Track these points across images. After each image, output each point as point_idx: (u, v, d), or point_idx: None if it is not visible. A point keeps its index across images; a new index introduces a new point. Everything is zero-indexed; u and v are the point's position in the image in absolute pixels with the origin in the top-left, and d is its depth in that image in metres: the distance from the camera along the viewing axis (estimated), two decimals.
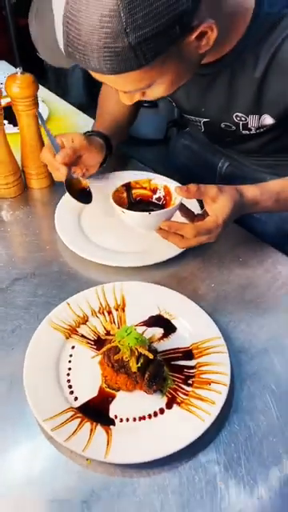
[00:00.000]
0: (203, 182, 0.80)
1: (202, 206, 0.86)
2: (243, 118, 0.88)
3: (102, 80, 0.69)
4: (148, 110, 2.51)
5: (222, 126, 0.93)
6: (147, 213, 0.80)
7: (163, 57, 0.63)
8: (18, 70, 0.92)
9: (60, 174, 0.92)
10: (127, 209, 0.84)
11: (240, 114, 0.88)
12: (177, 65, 0.69)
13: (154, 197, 0.90)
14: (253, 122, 0.88)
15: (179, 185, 0.81)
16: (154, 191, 0.89)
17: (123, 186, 0.88)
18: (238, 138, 0.96)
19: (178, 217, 0.83)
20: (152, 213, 0.80)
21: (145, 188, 0.89)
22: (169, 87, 0.72)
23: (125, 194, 0.88)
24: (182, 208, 0.83)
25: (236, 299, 0.84)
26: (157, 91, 0.72)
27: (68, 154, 0.91)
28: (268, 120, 0.86)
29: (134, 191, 0.89)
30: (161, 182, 0.89)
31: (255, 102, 0.84)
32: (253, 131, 0.91)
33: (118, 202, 0.85)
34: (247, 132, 0.92)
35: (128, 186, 0.89)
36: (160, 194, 0.89)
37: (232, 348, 0.75)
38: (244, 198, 0.79)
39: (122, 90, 0.73)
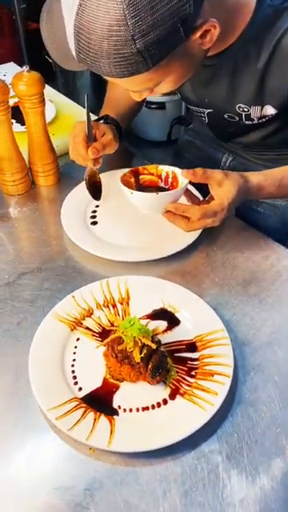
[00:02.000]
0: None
1: (204, 196, 0.88)
2: (246, 109, 0.89)
3: (113, 81, 0.71)
4: (156, 111, 2.52)
5: (226, 116, 0.95)
6: (155, 193, 0.81)
7: (169, 57, 0.66)
8: (25, 67, 0.93)
9: (84, 163, 0.97)
10: None
11: (243, 105, 0.89)
12: (182, 62, 0.71)
13: (161, 182, 0.91)
14: (255, 112, 0.89)
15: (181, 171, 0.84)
16: (161, 177, 0.90)
17: (131, 171, 0.90)
18: (241, 129, 0.98)
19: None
20: (160, 193, 0.81)
21: (152, 174, 0.91)
22: (175, 83, 0.75)
23: (132, 179, 0.89)
24: (188, 192, 0.85)
25: (240, 293, 0.84)
26: (164, 88, 0.75)
27: (98, 149, 0.94)
28: (270, 110, 0.87)
29: (141, 177, 0.91)
30: (167, 168, 0.90)
31: (258, 93, 0.85)
32: (255, 121, 0.92)
33: (126, 185, 0.87)
34: (250, 122, 0.93)
35: (136, 172, 0.91)
36: (167, 178, 0.90)
37: (235, 341, 0.75)
38: (249, 183, 0.82)
39: (128, 88, 0.75)
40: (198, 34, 0.67)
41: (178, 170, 0.88)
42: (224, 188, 0.79)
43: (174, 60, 0.68)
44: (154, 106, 2.52)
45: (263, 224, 1.01)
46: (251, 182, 0.82)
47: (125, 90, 1.08)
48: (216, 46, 0.76)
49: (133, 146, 1.16)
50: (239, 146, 1.10)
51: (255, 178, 0.83)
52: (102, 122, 1.02)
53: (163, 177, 0.91)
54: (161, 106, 2.54)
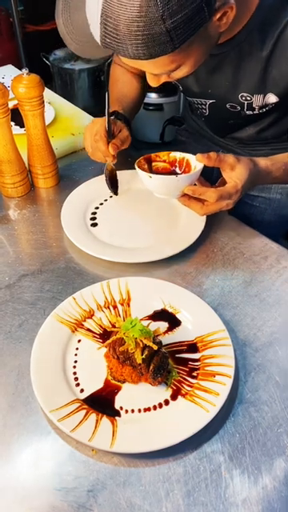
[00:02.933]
0: (202, 175, 0.84)
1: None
2: (248, 98, 0.91)
3: (134, 65, 0.73)
4: (153, 112, 2.52)
5: (228, 106, 0.97)
6: (174, 176, 0.82)
7: (192, 39, 0.67)
8: (24, 70, 0.94)
9: (103, 158, 0.99)
10: None
11: (245, 94, 0.91)
12: (201, 45, 0.73)
13: (176, 168, 0.91)
14: (257, 101, 0.91)
15: (194, 156, 0.84)
16: (173, 163, 0.91)
17: (144, 158, 0.90)
18: (240, 121, 0.99)
19: None
20: (178, 176, 0.83)
21: (164, 161, 0.91)
22: (192, 67, 0.76)
23: (146, 166, 0.90)
24: (199, 178, 0.86)
25: (240, 294, 0.85)
26: (182, 72, 0.76)
27: (118, 146, 0.96)
28: (272, 99, 0.89)
29: (153, 164, 0.91)
30: (179, 154, 0.91)
31: (261, 81, 0.87)
32: (256, 111, 0.94)
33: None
34: (250, 112, 0.95)
35: (148, 159, 0.91)
36: (180, 164, 0.91)
37: (236, 341, 0.76)
38: (258, 167, 0.84)
39: (152, 73, 0.77)
40: (218, 15, 0.69)
41: (189, 156, 0.89)
42: (237, 171, 0.81)
43: (196, 42, 0.69)
44: (151, 108, 2.53)
45: (259, 218, 1.03)
46: (260, 166, 0.84)
47: (130, 85, 1.11)
48: (224, 33, 0.77)
49: (130, 147, 1.16)
50: (234, 142, 1.11)
51: (263, 162, 0.86)
52: (113, 118, 1.03)
53: (176, 163, 0.91)
54: (158, 107, 2.54)
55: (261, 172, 0.85)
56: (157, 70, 0.75)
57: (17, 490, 0.60)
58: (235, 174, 0.81)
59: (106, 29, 0.63)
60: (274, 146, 1.06)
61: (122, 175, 1.07)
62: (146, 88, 1.17)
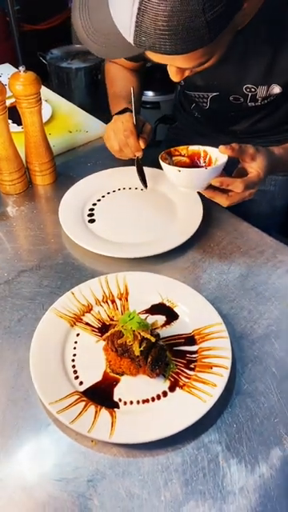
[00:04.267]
0: None
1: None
2: (253, 89, 0.93)
3: (162, 61, 0.71)
4: (150, 111, 2.53)
5: (231, 98, 0.98)
6: (203, 168, 0.84)
7: (225, 31, 0.66)
8: (21, 68, 0.94)
9: (131, 154, 1.01)
10: None
11: (250, 86, 0.92)
12: (228, 35, 0.72)
13: (200, 161, 0.91)
14: (261, 92, 0.93)
15: (214, 148, 0.86)
16: (192, 157, 0.91)
17: (166, 152, 0.90)
18: (242, 113, 1.01)
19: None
20: (208, 168, 0.83)
21: (183, 155, 0.91)
22: (216, 60, 0.75)
23: (167, 161, 0.90)
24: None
25: (237, 287, 0.85)
26: (208, 64, 0.75)
27: (147, 140, 0.99)
28: (276, 89, 0.91)
29: (173, 158, 0.91)
30: (197, 147, 0.91)
31: (267, 72, 0.88)
32: (258, 102, 0.95)
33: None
34: (253, 104, 0.96)
35: (169, 154, 0.91)
36: (201, 157, 0.91)
37: (233, 334, 0.77)
38: (274, 155, 0.86)
39: (181, 67, 0.74)
40: (246, 4, 0.68)
41: (207, 148, 0.89)
42: (258, 161, 0.82)
43: (226, 32, 0.68)
44: (148, 106, 2.53)
45: (255, 211, 1.04)
46: (276, 155, 0.86)
47: (129, 81, 1.11)
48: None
49: None
50: (228, 136, 1.12)
51: (277, 151, 0.87)
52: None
53: (195, 156, 0.91)
54: (155, 105, 2.55)
55: (277, 161, 0.86)
56: (188, 64, 0.72)
57: (17, 481, 0.61)
58: (256, 163, 0.82)
59: (142, 26, 0.61)
60: (265, 138, 1.07)
61: (120, 171, 1.08)
62: (143, 82, 1.19)
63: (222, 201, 0.85)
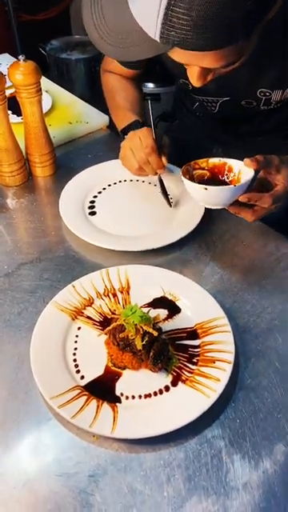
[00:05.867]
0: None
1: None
2: (267, 93, 0.89)
3: (187, 61, 0.65)
4: (151, 103, 2.51)
5: (243, 103, 0.94)
6: (231, 186, 0.79)
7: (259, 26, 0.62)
8: (21, 57, 0.92)
9: (153, 172, 0.95)
10: None
11: (265, 90, 0.88)
12: (256, 35, 0.67)
13: (224, 175, 0.86)
14: (276, 96, 0.89)
15: (236, 160, 0.82)
16: (213, 170, 0.86)
17: (186, 168, 0.85)
18: (252, 117, 0.97)
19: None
20: (237, 185, 0.78)
21: (203, 168, 0.86)
22: (245, 60, 0.69)
23: (187, 176, 0.84)
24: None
25: (240, 281, 0.84)
26: (236, 64, 0.69)
27: (168, 154, 0.95)
28: None
29: (194, 172, 0.87)
30: (218, 160, 0.86)
31: (283, 76, 0.84)
32: (272, 106, 0.92)
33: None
34: (265, 107, 0.93)
35: (188, 168, 0.85)
36: (220, 170, 0.86)
37: (236, 328, 0.76)
38: None
39: (207, 68, 0.68)
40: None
41: (228, 160, 0.84)
42: (283, 173, 0.79)
43: (255, 31, 0.64)
44: (148, 98, 2.50)
45: None
46: None
47: (130, 91, 1.06)
48: None
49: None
50: (232, 136, 1.09)
51: None
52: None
53: (218, 169, 0.86)
54: (155, 97, 2.52)
55: None
56: (217, 63, 0.64)
57: (17, 476, 0.60)
58: (282, 175, 0.79)
59: (172, 19, 0.54)
60: (269, 136, 1.05)
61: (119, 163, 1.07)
62: (141, 91, 1.15)
63: (248, 216, 0.81)
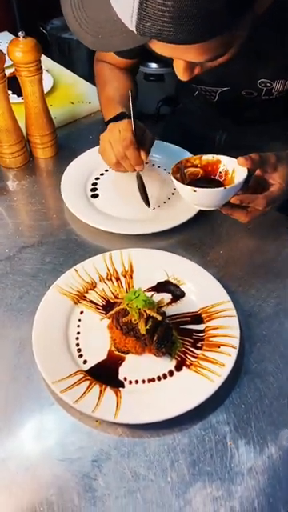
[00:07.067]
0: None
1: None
2: (268, 84, 0.85)
3: (170, 54, 0.61)
4: (154, 83, 2.46)
5: (243, 93, 0.91)
6: (222, 188, 0.74)
7: (245, 17, 0.59)
8: (21, 33, 0.90)
9: (131, 168, 0.89)
10: None
11: (265, 80, 0.85)
12: (247, 26, 0.63)
13: (217, 175, 0.83)
14: (278, 86, 0.85)
15: (230, 158, 0.79)
16: (206, 168, 0.83)
17: (177, 167, 0.81)
18: (253, 105, 0.94)
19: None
20: (227, 187, 0.74)
21: (196, 166, 0.83)
22: (234, 52, 0.65)
23: (179, 175, 0.80)
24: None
25: (245, 265, 0.83)
26: (225, 58, 0.65)
27: (149, 151, 0.89)
28: None
29: (186, 170, 0.83)
30: (211, 157, 0.82)
31: (285, 66, 0.81)
32: (274, 96, 0.88)
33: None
34: (267, 97, 0.89)
35: (180, 166, 0.82)
36: (214, 169, 0.82)
37: (242, 312, 0.74)
38: None
39: (193, 61, 0.64)
40: None
41: (224, 158, 0.81)
42: (280, 171, 0.76)
43: (245, 22, 0.61)
44: (152, 79, 2.46)
45: None
46: None
47: (122, 82, 1.01)
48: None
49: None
50: (237, 122, 1.06)
51: None
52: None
53: (211, 167, 0.82)
54: (159, 78, 2.47)
55: None
56: (202, 57, 0.61)
57: (20, 461, 0.59)
58: (278, 174, 0.76)
59: (147, 8, 0.50)
60: (275, 122, 1.02)
61: None
62: (136, 83, 1.09)
63: (241, 218, 0.78)
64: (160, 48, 0.60)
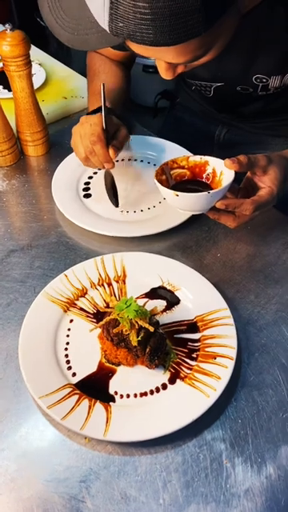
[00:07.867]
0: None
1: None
2: (264, 80, 0.81)
3: (148, 54, 0.59)
4: (152, 75, 2.41)
5: (238, 89, 0.87)
6: (206, 192, 0.70)
7: (224, 16, 0.55)
8: (8, 26, 0.85)
9: (100, 164, 0.85)
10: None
11: (261, 76, 0.81)
12: (230, 22, 0.61)
13: (203, 178, 0.79)
14: (274, 82, 0.82)
15: (218, 159, 0.75)
16: (193, 169, 0.79)
17: (161, 168, 0.78)
18: (251, 100, 0.90)
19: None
20: (211, 192, 0.70)
21: (183, 167, 0.79)
22: (217, 52, 0.63)
23: (164, 177, 0.78)
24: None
25: (244, 269, 0.79)
26: (207, 57, 0.63)
27: (119, 148, 0.84)
28: None
29: (172, 172, 0.79)
30: (199, 158, 0.79)
31: (281, 62, 0.77)
32: (270, 91, 0.85)
33: (163, 186, 0.75)
34: (264, 93, 0.86)
35: (165, 168, 0.78)
36: (201, 170, 0.79)
37: (239, 320, 0.71)
38: None
39: (172, 62, 0.62)
40: None
41: (211, 159, 0.77)
42: (270, 174, 0.71)
43: (227, 21, 0.58)
44: (151, 70, 2.41)
45: None
46: None
47: (114, 75, 0.96)
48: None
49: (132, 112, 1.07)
50: (234, 116, 1.02)
51: None
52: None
53: (199, 168, 0.79)
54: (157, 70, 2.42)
55: None
56: (180, 59, 0.59)
57: (4, 482, 0.56)
58: (268, 177, 0.71)
59: (118, 10, 0.49)
60: (277, 117, 0.98)
61: None
62: (130, 77, 1.05)
63: (229, 222, 0.74)
64: (137, 48, 0.58)
